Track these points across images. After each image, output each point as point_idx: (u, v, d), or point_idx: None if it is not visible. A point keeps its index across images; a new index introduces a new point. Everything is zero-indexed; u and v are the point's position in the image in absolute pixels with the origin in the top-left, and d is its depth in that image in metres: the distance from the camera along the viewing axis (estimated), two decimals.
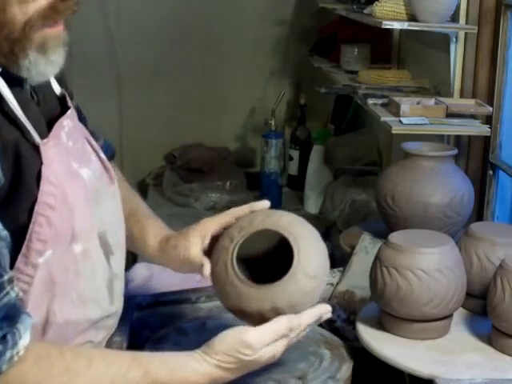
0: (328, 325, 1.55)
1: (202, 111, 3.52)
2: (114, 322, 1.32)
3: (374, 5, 2.18)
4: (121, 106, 3.46)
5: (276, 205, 3.06)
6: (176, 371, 1.14)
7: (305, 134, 3.18)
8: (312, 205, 2.97)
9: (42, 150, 1.14)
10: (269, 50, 3.52)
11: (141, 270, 1.93)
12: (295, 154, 3.18)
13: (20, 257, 1.13)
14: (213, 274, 1.26)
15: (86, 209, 1.22)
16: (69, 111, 1.27)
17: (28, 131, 1.13)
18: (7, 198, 1.10)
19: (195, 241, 1.37)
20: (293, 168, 3.21)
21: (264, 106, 3.41)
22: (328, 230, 2.60)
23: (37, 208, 1.12)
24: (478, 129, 2.00)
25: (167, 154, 3.34)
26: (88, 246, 1.22)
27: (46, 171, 1.14)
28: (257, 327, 1.16)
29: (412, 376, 1.31)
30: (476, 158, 2.13)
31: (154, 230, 1.45)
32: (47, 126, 1.20)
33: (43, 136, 1.17)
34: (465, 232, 1.51)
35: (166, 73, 3.43)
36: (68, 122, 1.25)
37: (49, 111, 1.24)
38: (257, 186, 3.11)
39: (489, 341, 1.37)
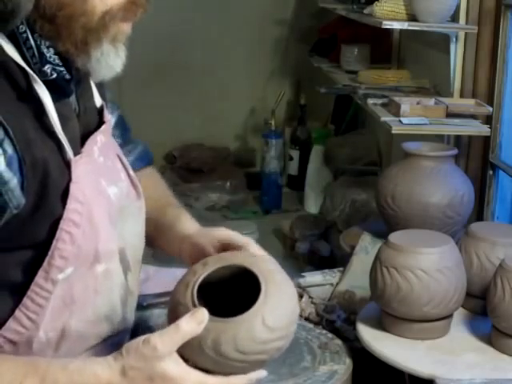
0: (328, 325, 1.55)
1: (202, 111, 3.52)
2: (123, 340, 1.29)
3: (374, 5, 2.18)
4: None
5: (276, 205, 3.08)
6: (75, 375, 1.06)
7: (305, 134, 3.18)
8: (312, 205, 2.97)
9: (73, 166, 1.12)
10: (269, 50, 3.52)
11: None
12: (295, 153, 3.18)
13: (40, 271, 1.11)
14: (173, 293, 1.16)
15: (110, 228, 1.19)
16: (103, 126, 1.25)
17: (63, 146, 1.11)
18: (28, 216, 1.07)
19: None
20: (293, 168, 3.21)
21: (264, 106, 3.41)
22: (328, 230, 2.60)
23: (61, 224, 1.10)
24: (478, 129, 2.00)
25: (167, 154, 3.34)
26: (110, 265, 1.20)
27: (74, 189, 1.11)
28: (161, 330, 1.08)
29: (412, 376, 1.31)
30: (476, 158, 2.13)
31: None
32: (81, 138, 1.18)
33: (76, 150, 1.14)
34: (465, 232, 1.51)
35: (165, 73, 3.43)
36: (101, 138, 1.23)
37: (86, 123, 1.22)
38: (257, 185, 3.12)
39: (489, 341, 1.36)
